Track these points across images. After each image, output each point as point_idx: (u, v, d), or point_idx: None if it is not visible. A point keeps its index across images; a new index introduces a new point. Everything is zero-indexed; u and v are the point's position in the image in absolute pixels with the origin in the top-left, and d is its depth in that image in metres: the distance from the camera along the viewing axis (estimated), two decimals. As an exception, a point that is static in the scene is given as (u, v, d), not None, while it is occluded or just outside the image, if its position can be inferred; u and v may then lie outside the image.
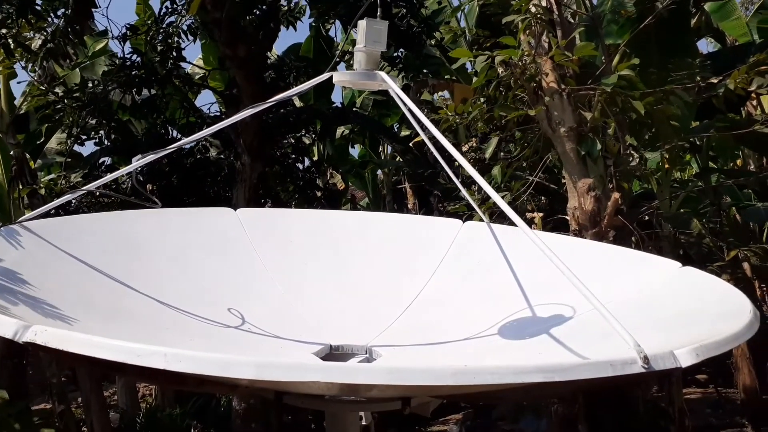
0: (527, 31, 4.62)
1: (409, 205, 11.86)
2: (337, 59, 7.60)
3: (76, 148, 7.86)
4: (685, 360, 1.69)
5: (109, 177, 2.87)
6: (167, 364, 1.34)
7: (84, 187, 2.87)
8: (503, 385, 1.57)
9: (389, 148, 12.29)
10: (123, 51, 7.14)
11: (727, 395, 8.77)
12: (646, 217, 6.27)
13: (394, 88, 2.61)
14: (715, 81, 5.64)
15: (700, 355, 1.71)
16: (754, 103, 8.52)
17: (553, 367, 1.46)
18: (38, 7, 6.05)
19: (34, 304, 2.03)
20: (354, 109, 10.32)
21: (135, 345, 1.42)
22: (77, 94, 6.91)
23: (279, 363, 1.34)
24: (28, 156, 7.11)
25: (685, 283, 2.77)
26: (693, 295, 2.66)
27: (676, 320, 2.41)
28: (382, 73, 2.65)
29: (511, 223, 3.90)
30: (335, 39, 9.59)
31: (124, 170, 2.68)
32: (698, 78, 5.29)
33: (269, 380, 1.32)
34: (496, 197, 2.35)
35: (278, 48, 9.51)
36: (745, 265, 7.51)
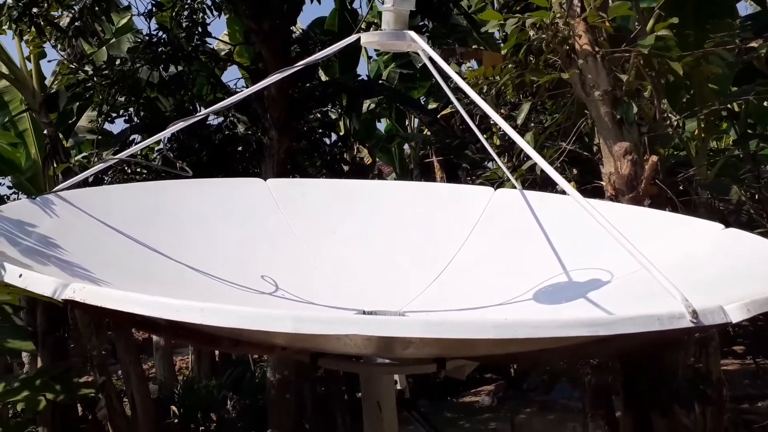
0: (559, -7, 4.47)
1: (437, 179, 11.78)
2: (362, 28, 7.47)
3: (107, 126, 7.94)
4: (735, 315, 1.62)
5: (139, 146, 2.88)
6: (204, 318, 1.32)
7: (115, 156, 2.88)
8: (545, 341, 1.52)
9: (416, 121, 12.18)
10: (149, 28, 7.15)
11: (766, 366, 8.61)
12: (681, 186, 6.09)
13: (425, 47, 2.54)
14: (755, 44, 5.41)
15: (751, 310, 1.64)
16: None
17: (598, 321, 1.40)
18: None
19: (68, 267, 2.04)
20: (380, 81, 10.21)
21: (172, 300, 1.41)
22: (106, 72, 6.96)
23: (317, 316, 1.32)
24: (60, 134, 7.21)
25: (728, 245, 2.67)
26: (737, 257, 2.57)
27: (721, 281, 2.33)
28: (412, 33, 2.57)
29: (548, 190, 3.81)
30: (360, 12, 9.46)
31: (155, 137, 2.67)
32: (738, 40, 5.07)
33: (307, 334, 1.29)
34: (540, 161, 2.27)
35: (302, 22, 9.43)
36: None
